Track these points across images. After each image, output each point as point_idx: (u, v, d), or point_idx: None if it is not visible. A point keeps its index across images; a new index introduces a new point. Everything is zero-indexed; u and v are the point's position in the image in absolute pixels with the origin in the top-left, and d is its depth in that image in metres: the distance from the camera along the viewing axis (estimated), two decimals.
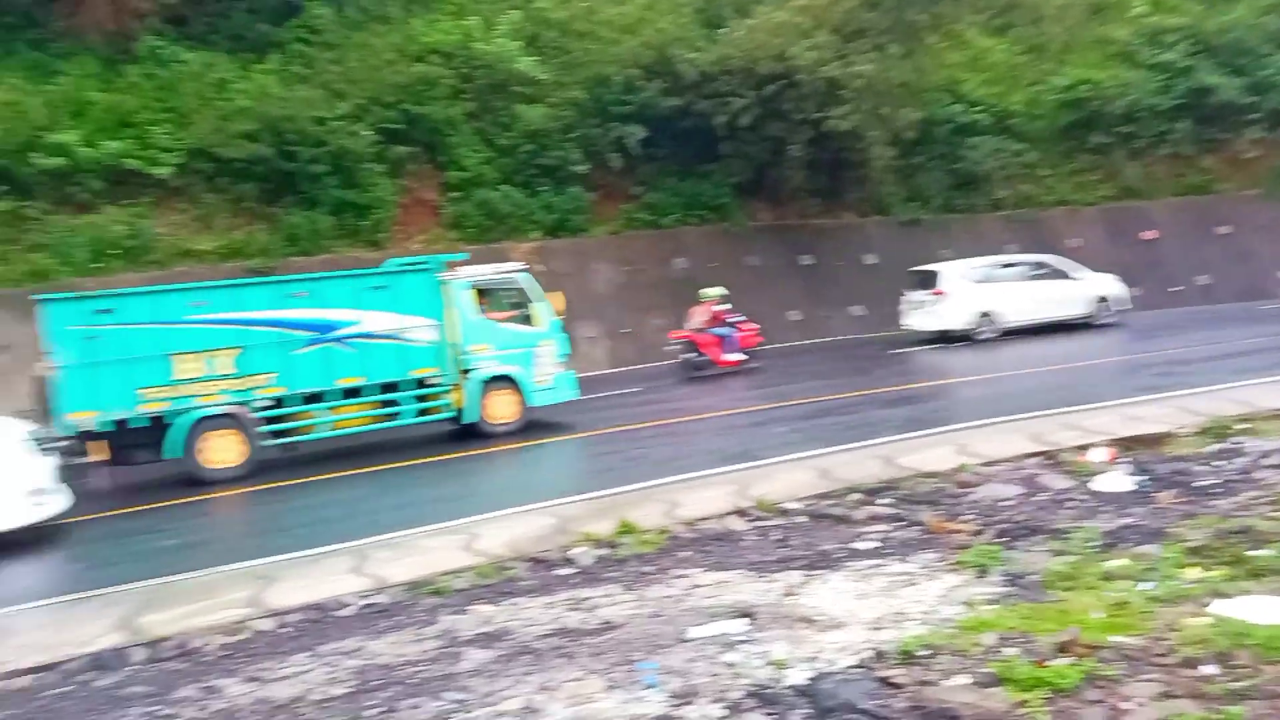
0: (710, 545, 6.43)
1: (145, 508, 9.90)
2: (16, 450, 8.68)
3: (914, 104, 22.87)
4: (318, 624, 5.52)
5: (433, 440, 12.67)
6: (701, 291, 18.17)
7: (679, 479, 8.33)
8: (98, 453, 10.56)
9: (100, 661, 5.17)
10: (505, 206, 21.39)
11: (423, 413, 12.52)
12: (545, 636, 4.88)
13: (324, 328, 11.99)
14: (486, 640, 4.90)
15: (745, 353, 17.52)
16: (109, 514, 9.73)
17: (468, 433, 12.57)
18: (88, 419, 10.66)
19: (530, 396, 12.84)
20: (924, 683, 3.83)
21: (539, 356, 13.10)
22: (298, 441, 12.07)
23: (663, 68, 22.11)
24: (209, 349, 11.47)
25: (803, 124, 21.34)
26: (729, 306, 17.85)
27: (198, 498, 10.38)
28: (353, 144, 20.29)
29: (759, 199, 24.04)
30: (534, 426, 12.67)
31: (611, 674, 4.26)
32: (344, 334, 12.06)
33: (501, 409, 12.74)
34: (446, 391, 12.56)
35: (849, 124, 20.85)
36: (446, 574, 6.15)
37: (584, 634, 4.86)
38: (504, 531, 7.06)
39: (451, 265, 13.19)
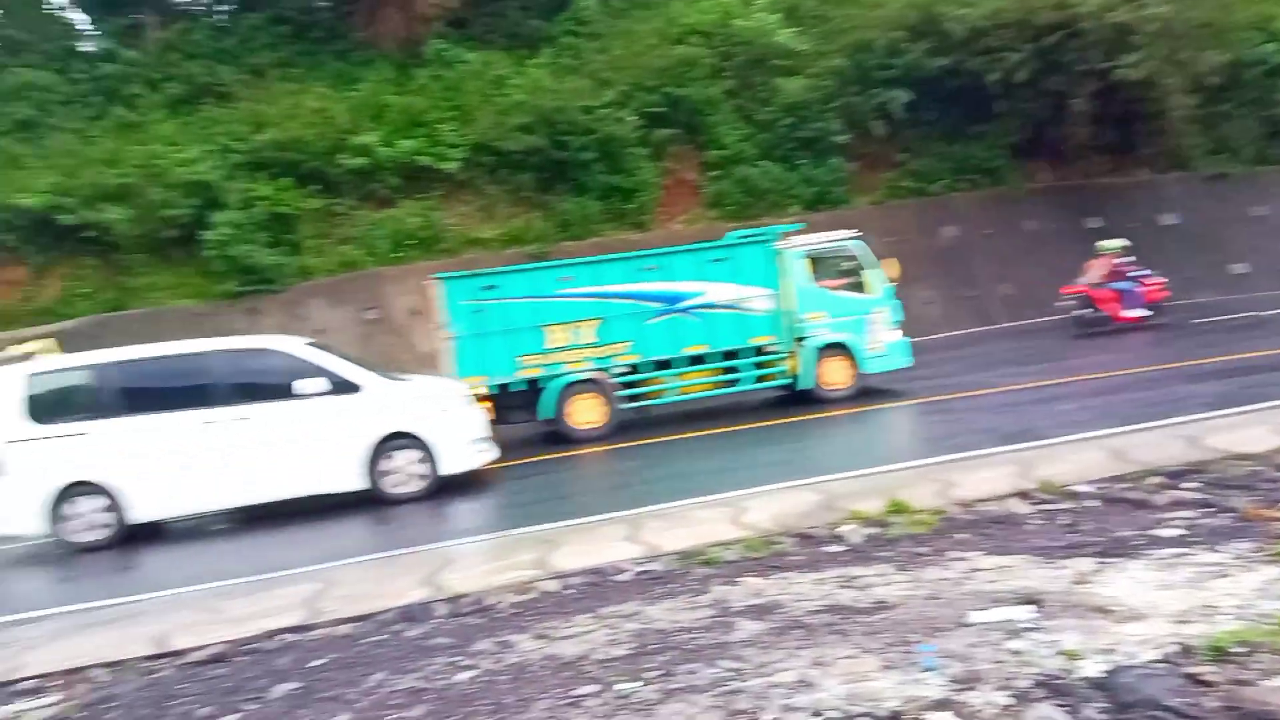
0: (989, 528, 6.13)
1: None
2: (463, 404, 10.21)
3: (1219, 46, 20.47)
4: (597, 587, 5.79)
5: (768, 406, 13.30)
6: (1099, 244, 17.59)
7: (954, 458, 8.01)
8: (486, 413, 11.60)
9: (409, 614, 5.69)
10: (765, 182, 21.34)
11: (760, 379, 13.11)
12: (816, 612, 4.86)
13: (672, 299, 12.86)
14: (758, 612, 4.94)
15: (1150, 308, 16.62)
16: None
17: (802, 398, 12.97)
18: (478, 383, 11.99)
19: (863, 363, 13.04)
20: (1239, 682, 3.47)
21: (872, 323, 13.19)
22: (649, 405, 13.04)
23: (929, 27, 21.12)
24: (575, 320, 12.71)
25: (1087, 75, 19.71)
26: (1131, 259, 16.99)
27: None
28: (618, 130, 20.96)
29: (1037, 159, 22.52)
30: (867, 393, 12.87)
31: (887, 654, 4.18)
32: (689, 305, 12.87)
33: (835, 375, 13.05)
34: (783, 359, 13.07)
35: (1142, 72, 19.03)
36: (716, 545, 6.26)
37: (856, 612, 4.79)
38: (771, 506, 7.08)
39: (786, 235, 13.49)
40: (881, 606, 4.83)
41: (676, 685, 4.09)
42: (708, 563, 5.99)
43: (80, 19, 27.82)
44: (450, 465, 9.88)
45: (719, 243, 13.63)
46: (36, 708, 4.78)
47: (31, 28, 25.75)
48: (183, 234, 19.88)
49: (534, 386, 12.63)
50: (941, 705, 3.65)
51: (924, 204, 21.77)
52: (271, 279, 19.63)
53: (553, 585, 5.91)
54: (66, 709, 4.71)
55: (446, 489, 9.84)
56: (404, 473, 9.79)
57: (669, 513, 7.35)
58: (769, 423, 11.94)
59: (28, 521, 9.33)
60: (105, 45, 25.50)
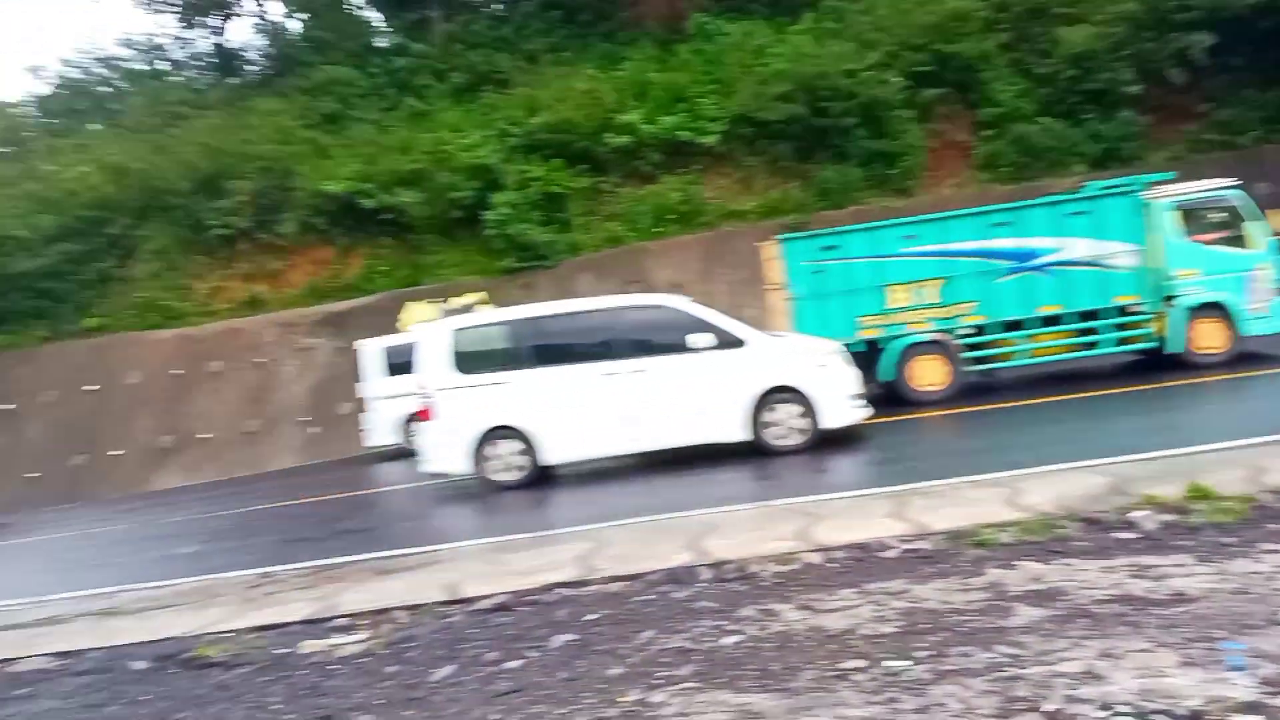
0: None
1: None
2: (840, 360, 10.39)
3: None
4: (862, 563, 5.69)
5: (1128, 370, 12.68)
6: None
7: (1268, 440, 7.17)
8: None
9: (675, 576, 5.85)
10: (1044, 140, 19.92)
11: (1122, 341, 12.46)
12: (1104, 601, 4.52)
13: (1024, 256, 12.42)
14: (1038, 598, 4.68)
15: None
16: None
17: (1168, 363, 12.21)
18: None
19: (1243, 325, 12.02)
20: None
21: (1253, 281, 12.10)
22: (996, 368, 12.76)
23: None
24: (918, 280, 12.57)
25: None
26: None
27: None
28: (882, 92, 20.29)
29: None
30: (1246, 358, 11.87)
31: (1187, 650, 3.83)
32: (1044, 262, 12.38)
33: (1209, 338, 12.13)
34: (1148, 320, 12.33)
35: None
36: (989, 526, 5.97)
37: (1151, 604, 4.42)
38: (1050, 487, 6.66)
39: (1154, 186, 12.74)
40: (1180, 599, 4.43)
41: (949, 667, 3.96)
42: (980, 544, 5.73)
43: (375, 17, 30.44)
44: (830, 420, 10.05)
45: (1079, 194, 12.88)
46: (349, 642, 5.33)
47: (334, 28, 28.45)
48: (466, 214, 21.36)
49: (873, 348, 12.51)
50: (1252, 708, 3.31)
51: (1232, 158, 19.50)
52: (544, 255, 20.69)
53: (815, 558, 5.87)
54: (373, 645, 5.22)
55: (821, 444, 10.00)
56: (785, 426, 10.07)
57: (939, 490, 7.09)
58: (1131, 388, 11.19)
59: (455, 461, 10.42)
60: (397, 40, 27.73)
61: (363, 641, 5.28)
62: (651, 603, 5.44)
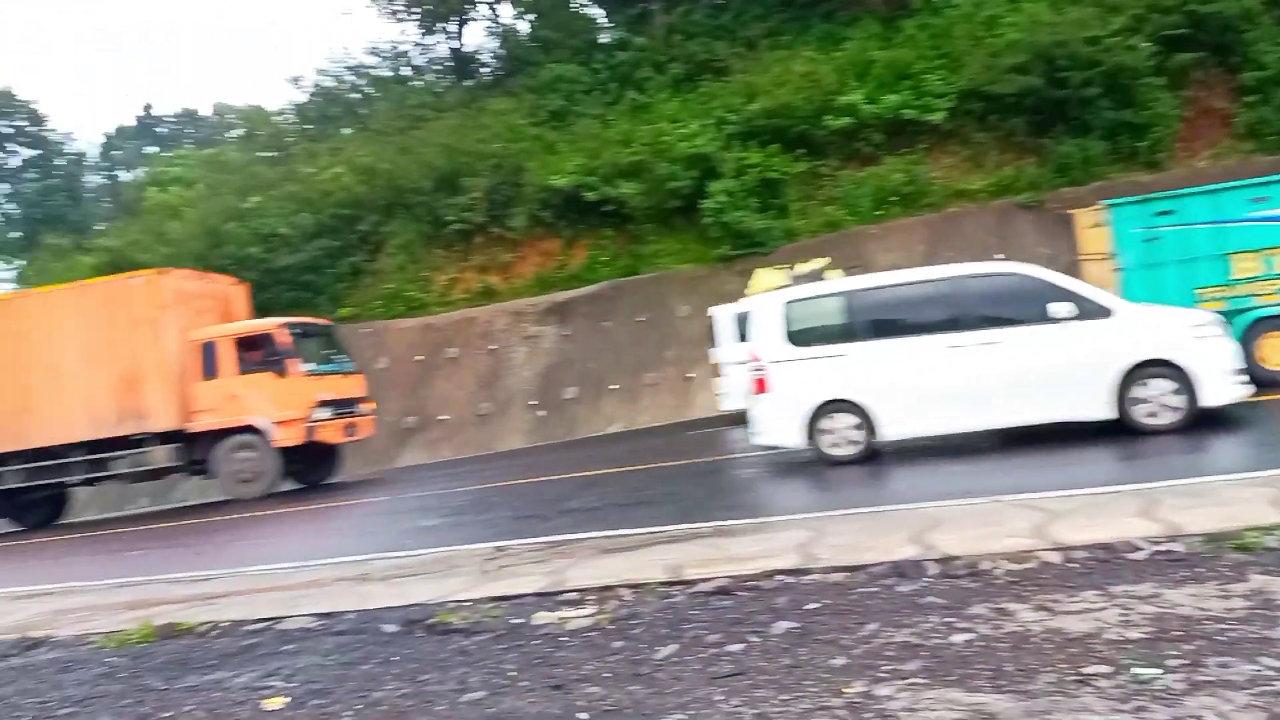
0: None
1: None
2: (1219, 332, 9.81)
3: None
4: (1106, 564, 5.34)
5: None
6: None
7: None
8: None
9: (900, 569, 5.70)
10: None
11: None
12: None
13: None
14: None
15: None
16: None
17: None
18: None
19: None
20: None
21: None
22: None
23: None
24: (1268, 247, 11.60)
25: None
26: None
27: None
28: (1128, 59, 18.84)
29: None
30: None
31: None
32: None
33: None
34: None
35: None
36: (1255, 529, 5.44)
37: None
38: None
39: None
40: None
41: (1206, 678, 3.65)
42: (1244, 548, 5.23)
43: (598, 13, 31.29)
44: (1210, 397, 9.38)
45: None
46: (577, 616, 5.55)
47: (560, 27, 29.48)
48: (684, 204, 21.63)
49: None
50: None
51: None
52: (761, 242, 20.65)
53: (1054, 557, 5.56)
54: (600, 620, 5.40)
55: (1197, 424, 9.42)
56: (1157, 403, 9.49)
57: (1197, 489, 6.54)
58: None
59: (788, 434, 10.46)
60: (619, 35, 28.39)
61: (590, 616, 5.48)
62: (875, 595, 5.33)
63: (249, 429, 16.48)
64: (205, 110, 59.27)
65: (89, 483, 18.09)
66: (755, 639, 4.73)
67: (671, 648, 4.75)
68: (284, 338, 16.67)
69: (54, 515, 18.95)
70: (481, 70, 32.56)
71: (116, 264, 25.62)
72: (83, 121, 73.66)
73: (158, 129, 59.44)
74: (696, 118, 22.38)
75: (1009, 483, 7.74)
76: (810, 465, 10.59)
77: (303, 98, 34.64)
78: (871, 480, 9.54)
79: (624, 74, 26.39)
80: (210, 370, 16.66)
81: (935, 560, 5.74)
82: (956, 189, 20.31)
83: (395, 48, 33.62)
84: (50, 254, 34.60)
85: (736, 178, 20.72)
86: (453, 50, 33.00)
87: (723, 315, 17.26)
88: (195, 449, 16.88)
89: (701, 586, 5.74)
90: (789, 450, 10.90)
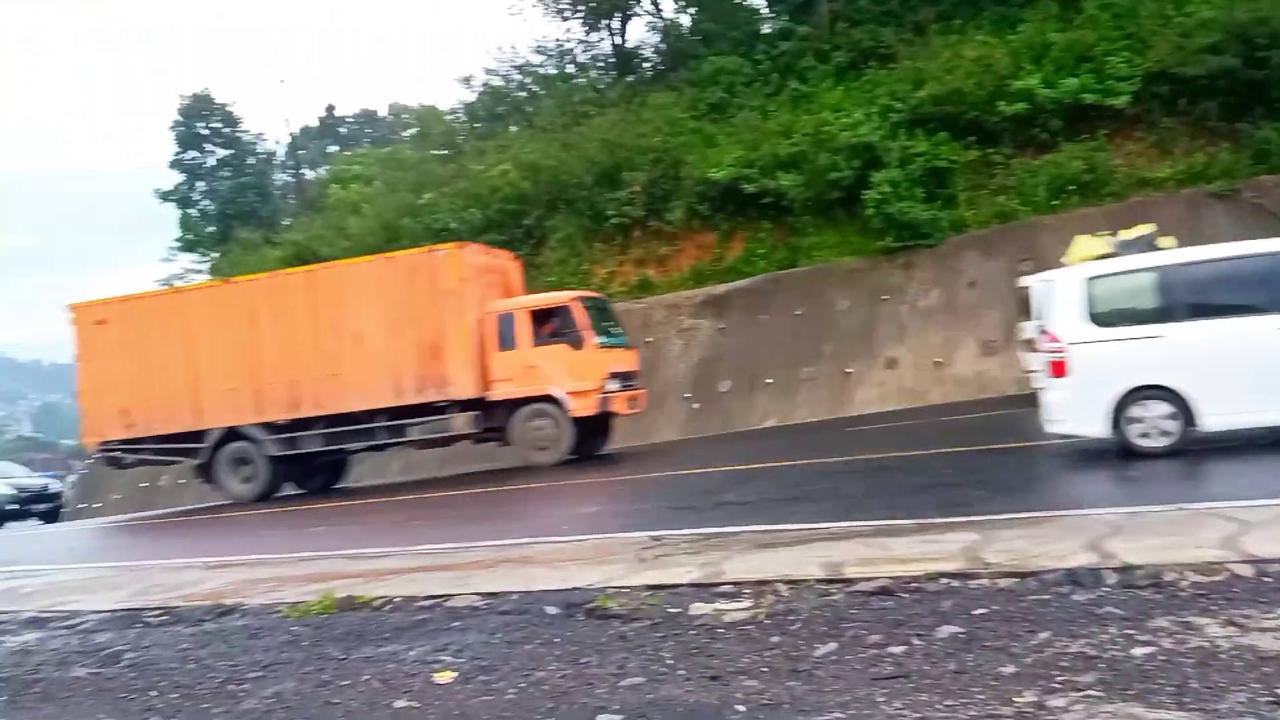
0: None
1: None
2: None
3: None
4: None
5: None
6: None
7: None
8: None
9: (1075, 577, 5.43)
10: None
11: None
12: None
13: None
14: None
15: None
16: None
17: None
18: None
19: None
20: None
21: None
22: None
23: None
24: None
25: None
26: None
27: None
28: None
29: None
30: None
31: None
32: None
33: None
34: None
35: None
36: None
37: None
38: None
39: None
40: None
41: None
42: None
43: (759, 3, 31.07)
44: None
45: None
46: (734, 609, 5.56)
47: (721, 19, 29.43)
48: (845, 195, 21.24)
49: None
50: None
51: None
52: (926, 233, 20.06)
53: (1246, 570, 5.18)
54: (756, 614, 5.39)
55: None
56: None
57: None
58: None
59: (1089, 423, 9.58)
60: (781, 25, 28.11)
61: (747, 610, 5.48)
62: (1047, 603, 5.10)
63: (546, 399, 17.04)
64: (382, 111, 62.31)
65: (376, 448, 19.06)
66: (918, 642, 4.61)
67: (830, 646, 4.70)
68: (580, 311, 17.20)
69: (334, 480, 20.23)
70: (643, 65, 32.88)
71: (301, 257, 27.28)
72: (270, 123, 78.84)
73: (339, 129, 62.87)
74: (860, 106, 21.90)
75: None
76: (1013, 458, 10.03)
77: (472, 97, 35.92)
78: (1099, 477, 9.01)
79: (786, 64, 26.10)
80: (508, 341, 17.27)
81: (1113, 569, 5.45)
82: (1141, 177, 19.12)
83: (560, 45, 34.41)
84: (241, 247, 37.21)
85: (901, 167, 20.16)
86: (615, 46, 33.47)
87: (1038, 287, 15.47)
88: (492, 417, 17.52)
89: (861, 586, 5.64)
90: (1084, 439, 9.98)
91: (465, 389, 17.19)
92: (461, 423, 17.36)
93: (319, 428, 17.93)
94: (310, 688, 4.99)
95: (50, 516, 26.36)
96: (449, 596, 6.54)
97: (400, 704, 4.58)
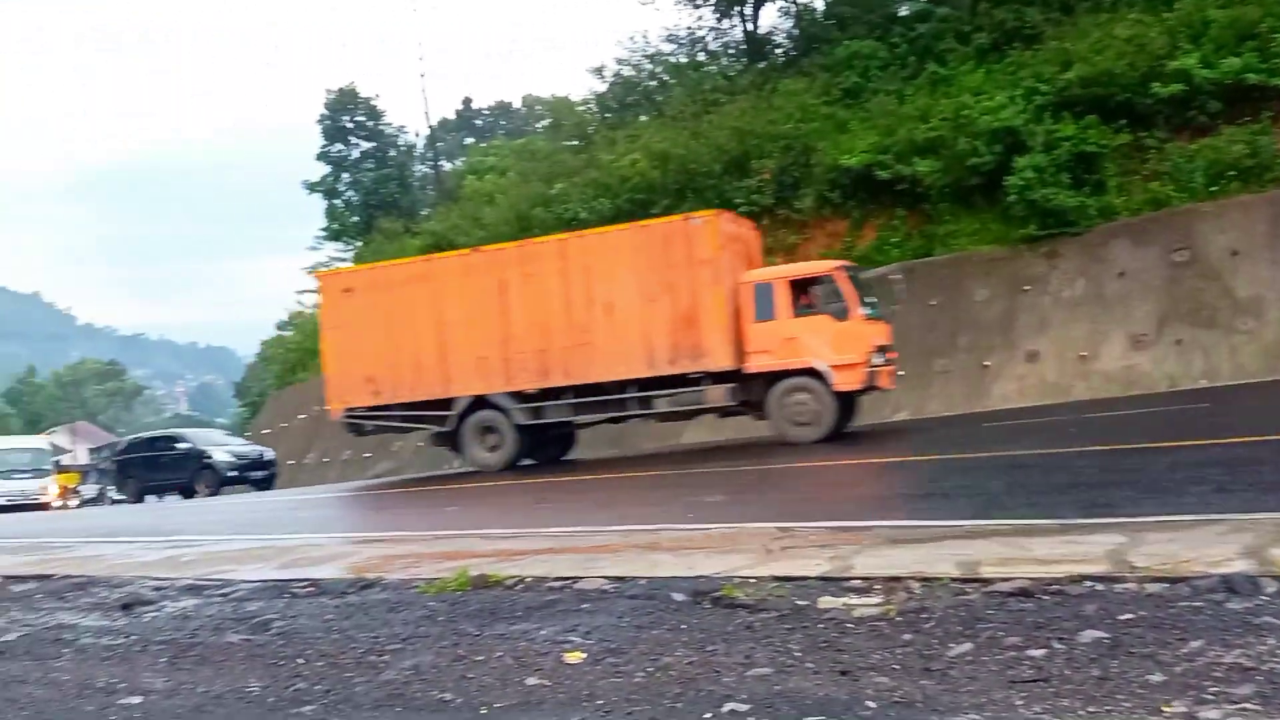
0: None
1: None
2: None
3: None
4: None
5: None
6: None
7: None
8: None
9: (1231, 584, 5.13)
10: None
11: None
12: None
13: None
14: None
15: None
16: None
17: None
18: None
19: None
20: None
21: None
22: None
23: None
24: None
25: None
26: None
27: None
28: None
29: None
30: None
31: None
32: None
33: None
34: None
35: None
36: None
37: None
38: None
39: None
40: None
41: None
42: None
43: None
44: None
45: None
46: (863, 604, 5.47)
47: (857, 2, 28.83)
48: (985, 181, 20.53)
49: None
50: None
51: None
52: (1072, 221, 19.24)
53: None
54: (888, 610, 5.29)
55: None
56: None
57: None
58: None
59: None
60: (919, 7, 27.35)
61: (877, 605, 5.39)
62: (1199, 610, 4.83)
63: (807, 372, 16.64)
64: (517, 103, 63.59)
65: (616, 420, 19.16)
66: (1059, 646, 4.44)
67: (965, 646, 4.57)
68: (845, 280, 16.81)
69: (564, 451, 20.60)
70: (775, 51, 32.52)
71: (439, 246, 28.15)
72: (410, 116, 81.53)
73: (475, 121, 64.51)
74: (1003, 89, 21.08)
75: None
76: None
77: (603, 87, 36.28)
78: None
79: (924, 46, 25.37)
80: (765, 312, 16.94)
81: (1273, 577, 5.12)
82: None
83: (691, 34, 34.35)
84: (383, 236, 38.65)
85: (1047, 152, 19.33)
86: (747, 33, 33.20)
87: None
88: (748, 390, 17.30)
89: (999, 586, 5.46)
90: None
91: (721, 360, 16.95)
92: (716, 395, 17.11)
93: (567, 398, 17.92)
94: (446, 661, 5.16)
95: (265, 484, 27.92)
96: (578, 579, 6.65)
97: (532, 681, 4.70)
